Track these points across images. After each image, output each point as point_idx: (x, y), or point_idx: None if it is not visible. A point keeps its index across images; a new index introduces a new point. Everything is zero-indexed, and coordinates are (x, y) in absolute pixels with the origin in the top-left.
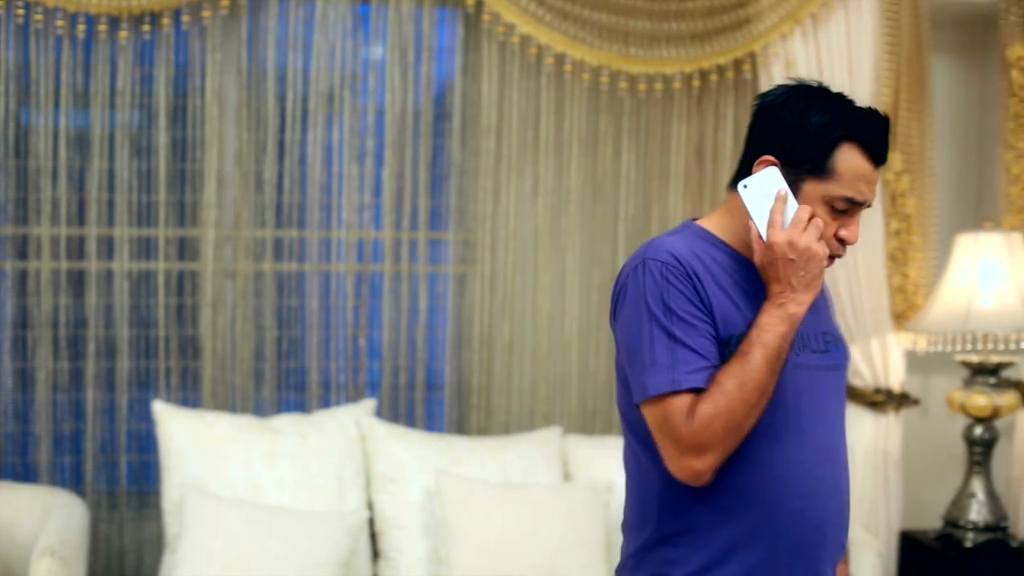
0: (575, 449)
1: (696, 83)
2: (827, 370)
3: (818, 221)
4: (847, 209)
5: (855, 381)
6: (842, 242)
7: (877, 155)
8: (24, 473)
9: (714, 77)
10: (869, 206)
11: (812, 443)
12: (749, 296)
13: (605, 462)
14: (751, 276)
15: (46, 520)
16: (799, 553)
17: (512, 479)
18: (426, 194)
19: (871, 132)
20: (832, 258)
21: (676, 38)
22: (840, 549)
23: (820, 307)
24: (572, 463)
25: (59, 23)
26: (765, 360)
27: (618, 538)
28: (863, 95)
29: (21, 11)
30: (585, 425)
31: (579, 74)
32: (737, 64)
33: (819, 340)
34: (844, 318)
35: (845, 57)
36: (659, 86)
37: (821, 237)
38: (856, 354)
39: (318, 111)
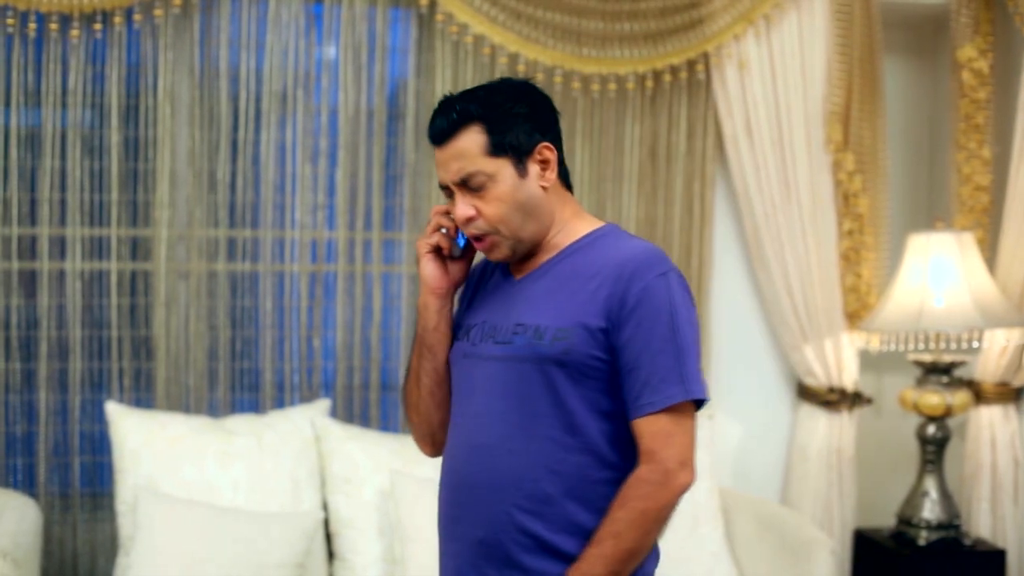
0: None
1: (650, 83)
2: (502, 361)
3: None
4: (454, 192)
5: (808, 380)
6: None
7: (432, 136)
8: None
9: (667, 77)
10: (468, 186)
11: (465, 433)
12: None
13: None
14: None
15: None
16: (442, 537)
17: None
18: (380, 194)
19: (432, 118)
20: (480, 239)
21: (629, 38)
22: (504, 541)
23: (532, 296)
24: None
25: (9, 21)
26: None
27: None
28: (815, 96)
29: None
30: None
31: (533, 74)
32: (691, 64)
33: (507, 331)
34: (797, 317)
35: (798, 58)
36: (612, 86)
37: (444, 227)
38: (809, 353)
39: (271, 111)
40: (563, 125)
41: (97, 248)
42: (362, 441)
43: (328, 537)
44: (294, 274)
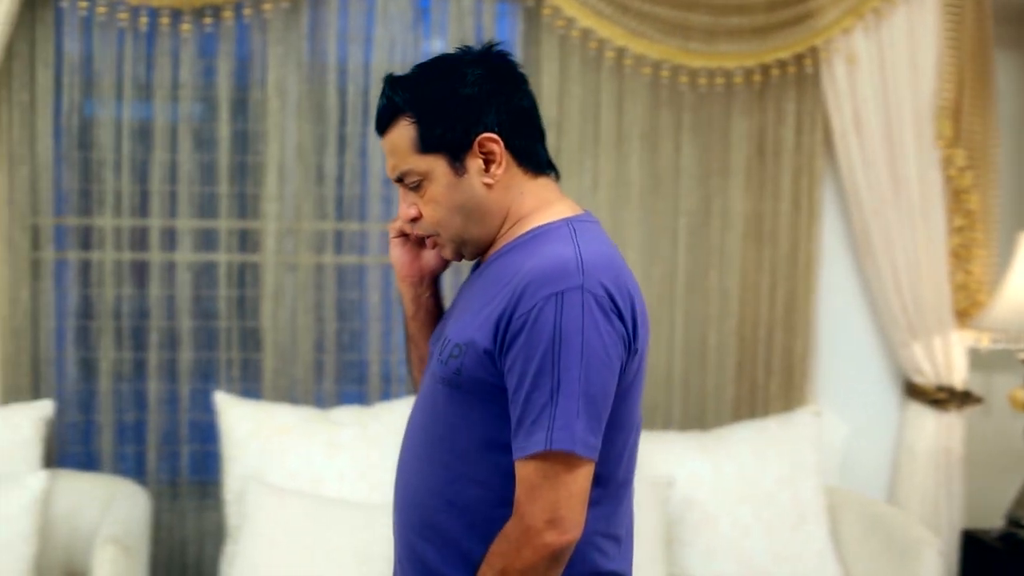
0: None
1: (757, 78)
2: (428, 375)
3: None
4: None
5: (916, 378)
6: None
7: (376, 127)
8: (87, 462)
9: (775, 72)
10: (404, 183)
11: (403, 451)
12: None
13: (665, 457)
14: None
15: (109, 509)
16: (394, 544)
17: None
18: None
19: None
20: (427, 239)
21: (737, 33)
22: (410, 560)
23: (463, 301)
24: None
25: (122, 16)
26: None
27: (678, 532)
28: (925, 91)
29: (85, 4)
30: (645, 420)
31: (640, 68)
32: (798, 59)
33: (444, 348)
34: (905, 314)
35: (907, 52)
36: (720, 81)
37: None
38: (918, 351)
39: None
40: (669, 120)
41: (206, 240)
42: None
43: None
44: None
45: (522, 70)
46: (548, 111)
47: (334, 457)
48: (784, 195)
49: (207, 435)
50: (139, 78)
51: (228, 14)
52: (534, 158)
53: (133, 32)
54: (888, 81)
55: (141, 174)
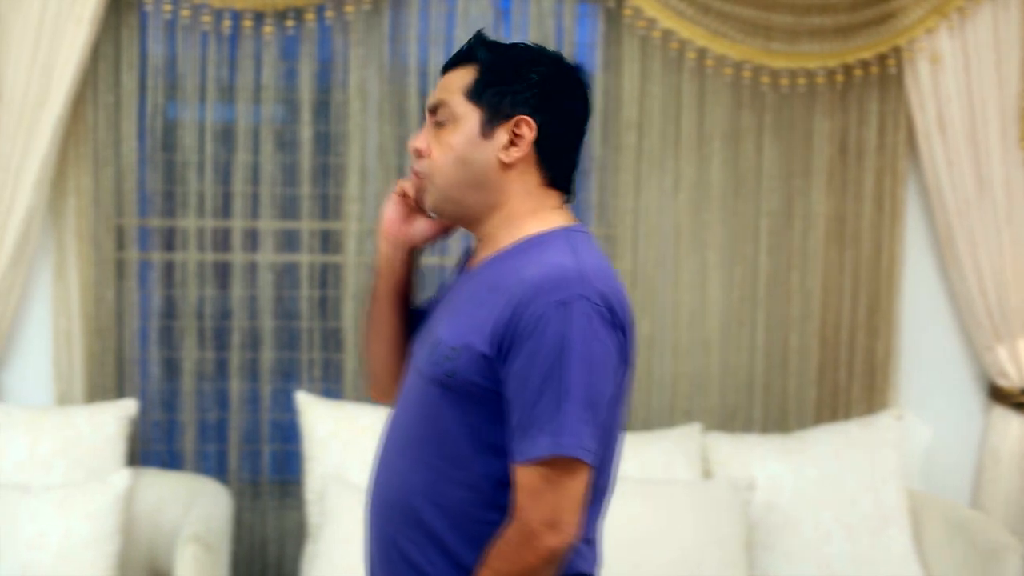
0: (715, 446)
1: (839, 78)
2: (416, 373)
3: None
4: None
5: (1000, 381)
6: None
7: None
8: (170, 461)
9: (858, 72)
10: (435, 115)
11: (383, 441)
12: None
13: (745, 459)
14: None
15: (191, 507)
16: (368, 540)
17: (651, 475)
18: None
19: None
20: (418, 176)
21: (819, 32)
22: (389, 558)
23: (456, 302)
24: (712, 460)
25: (205, 19)
26: None
27: (759, 536)
28: (1011, 91)
29: (169, 7)
30: (725, 422)
31: (721, 69)
32: (882, 59)
33: (431, 340)
34: (990, 317)
35: (992, 52)
36: (802, 81)
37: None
38: (1002, 354)
39: None
40: (751, 120)
41: (288, 241)
42: None
43: None
44: None
45: (591, 100)
46: (629, 112)
47: None
48: (867, 196)
49: (288, 435)
50: (222, 80)
51: (310, 16)
52: (556, 170)
53: (216, 35)
54: (972, 81)
55: (224, 176)
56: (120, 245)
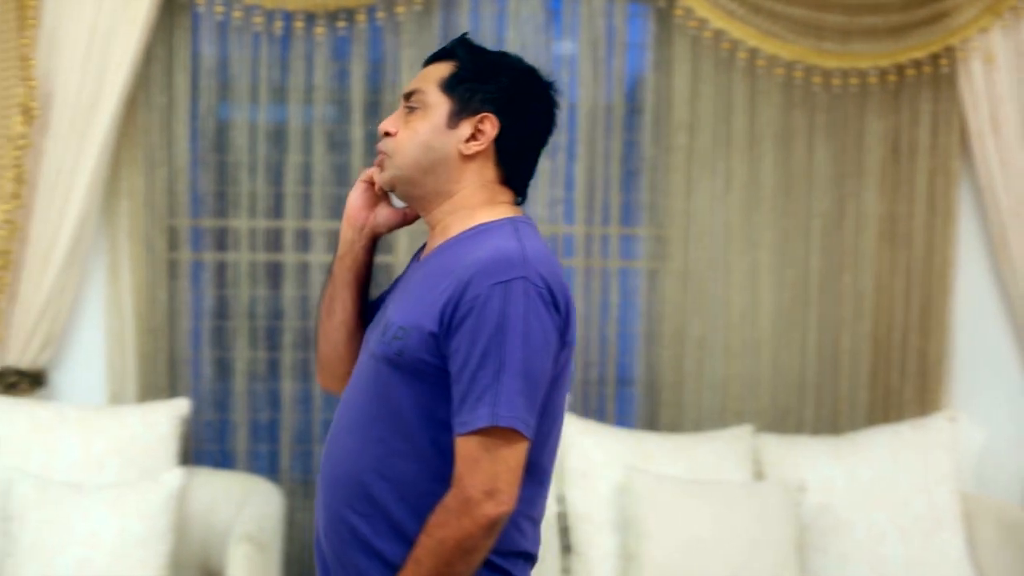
0: (766, 447)
1: (892, 78)
2: (367, 354)
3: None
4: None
5: None
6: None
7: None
8: (222, 460)
9: (910, 72)
10: (408, 101)
11: (334, 420)
12: None
13: (797, 461)
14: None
15: (243, 507)
16: (317, 517)
17: (702, 476)
18: (618, 189)
19: None
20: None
21: (871, 32)
22: (338, 532)
23: (408, 288)
24: (763, 461)
25: (257, 20)
26: None
27: (811, 538)
28: None
29: (221, 9)
30: (777, 423)
31: (772, 69)
32: (934, 58)
33: (384, 323)
34: None
35: None
36: (854, 81)
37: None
38: None
39: None
40: (802, 120)
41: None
42: (598, 436)
43: (563, 530)
44: None
45: (556, 116)
46: (680, 113)
47: None
48: (919, 197)
49: None
50: (273, 81)
51: (361, 17)
52: (512, 172)
53: (268, 36)
54: None
55: (275, 176)
56: (172, 246)
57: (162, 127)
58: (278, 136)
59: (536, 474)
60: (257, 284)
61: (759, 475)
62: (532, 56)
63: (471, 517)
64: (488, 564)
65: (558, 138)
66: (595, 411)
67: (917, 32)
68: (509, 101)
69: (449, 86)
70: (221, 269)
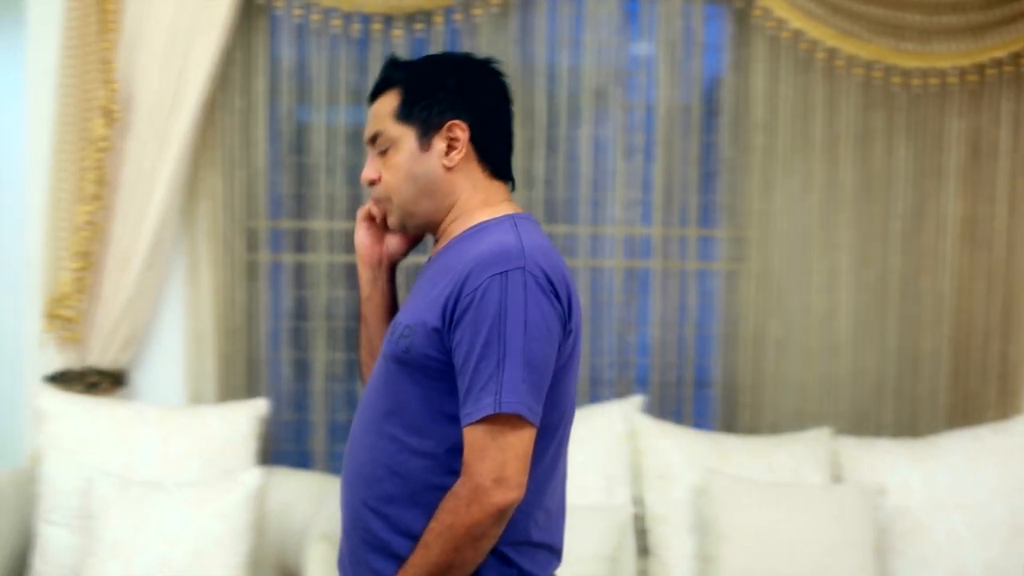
0: (845, 450)
1: (972, 77)
2: (381, 355)
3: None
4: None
5: None
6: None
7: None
8: (300, 460)
9: (991, 71)
10: (371, 143)
11: (354, 428)
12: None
13: (876, 464)
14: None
15: (321, 506)
16: (341, 512)
17: (780, 479)
18: (696, 191)
19: None
20: (379, 203)
21: (951, 31)
22: (356, 530)
23: (416, 289)
24: (842, 464)
25: (335, 23)
26: None
27: (890, 541)
28: None
29: (299, 11)
30: (856, 426)
31: (851, 69)
32: (1015, 58)
33: (395, 330)
34: None
35: None
36: (934, 81)
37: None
38: None
39: (587, 107)
40: (882, 121)
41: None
42: (676, 438)
43: (640, 532)
44: (609, 270)
45: (509, 89)
46: (758, 114)
47: None
48: (1000, 198)
49: None
50: (351, 83)
51: (439, 19)
52: (495, 161)
53: (346, 38)
54: None
55: (353, 178)
56: (251, 247)
57: (241, 129)
58: (356, 138)
59: (544, 465)
60: (335, 285)
61: (837, 478)
62: (608, 59)
63: (480, 504)
64: (497, 553)
65: (635, 139)
66: (672, 413)
67: (998, 31)
68: (465, 99)
69: (404, 114)
70: (299, 270)
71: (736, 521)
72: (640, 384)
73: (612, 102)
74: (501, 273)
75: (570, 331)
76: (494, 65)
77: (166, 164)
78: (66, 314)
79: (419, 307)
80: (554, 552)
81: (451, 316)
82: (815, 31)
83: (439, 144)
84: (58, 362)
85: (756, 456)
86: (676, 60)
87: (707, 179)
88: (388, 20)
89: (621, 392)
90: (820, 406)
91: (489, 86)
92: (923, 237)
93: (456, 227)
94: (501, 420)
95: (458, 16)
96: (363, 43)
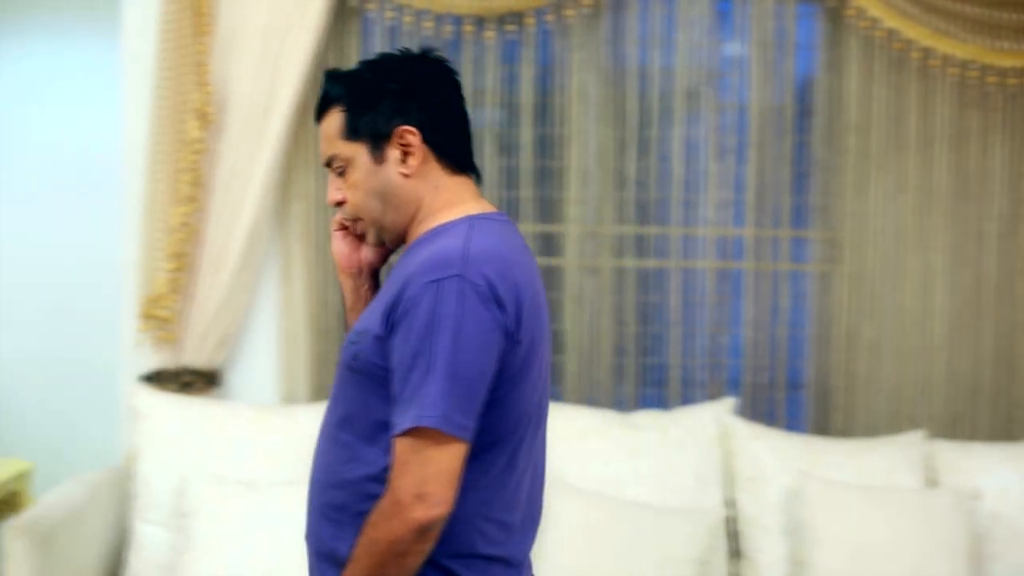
0: (939, 454)
1: None
2: (339, 364)
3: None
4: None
5: None
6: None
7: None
8: None
9: None
10: (328, 166)
11: (318, 435)
12: None
13: (971, 468)
14: None
15: None
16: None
17: (873, 482)
18: (788, 192)
19: None
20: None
21: None
22: (314, 534)
23: (377, 297)
24: (936, 468)
25: (427, 24)
26: None
27: (986, 547)
28: None
29: (391, 13)
30: (950, 429)
31: (946, 68)
32: None
33: (348, 336)
34: None
35: None
36: None
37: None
38: None
39: (679, 108)
40: (977, 121)
41: None
42: (768, 440)
43: (731, 535)
44: (701, 271)
45: (457, 76)
46: (851, 114)
47: (633, 460)
48: None
49: None
50: None
51: (530, 20)
52: (454, 156)
53: (438, 40)
54: None
55: None
56: None
57: None
58: None
59: (493, 475)
60: None
61: (932, 482)
62: (700, 59)
63: (400, 520)
64: (435, 564)
65: (728, 140)
66: (765, 415)
67: None
68: (410, 100)
69: (351, 132)
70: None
71: (829, 525)
72: (732, 386)
73: (704, 103)
74: (435, 281)
75: (519, 341)
76: (435, 55)
77: (260, 165)
78: (161, 314)
79: (369, 314)
80: (512, 565)
81: (390, 324)
82: (910, 30)
83: (393, 153)
84: (153, 362)
85: (849, 459)
86: (768, 60)
87: (800, 180)
88: (480, 22)
89: (713, 394)
90: (914, 408)
91: (435, 80)
92: (1019, 238)
93: (418, 231)
94: (423, 434)
95: (549, 17)
96: (455, 45)
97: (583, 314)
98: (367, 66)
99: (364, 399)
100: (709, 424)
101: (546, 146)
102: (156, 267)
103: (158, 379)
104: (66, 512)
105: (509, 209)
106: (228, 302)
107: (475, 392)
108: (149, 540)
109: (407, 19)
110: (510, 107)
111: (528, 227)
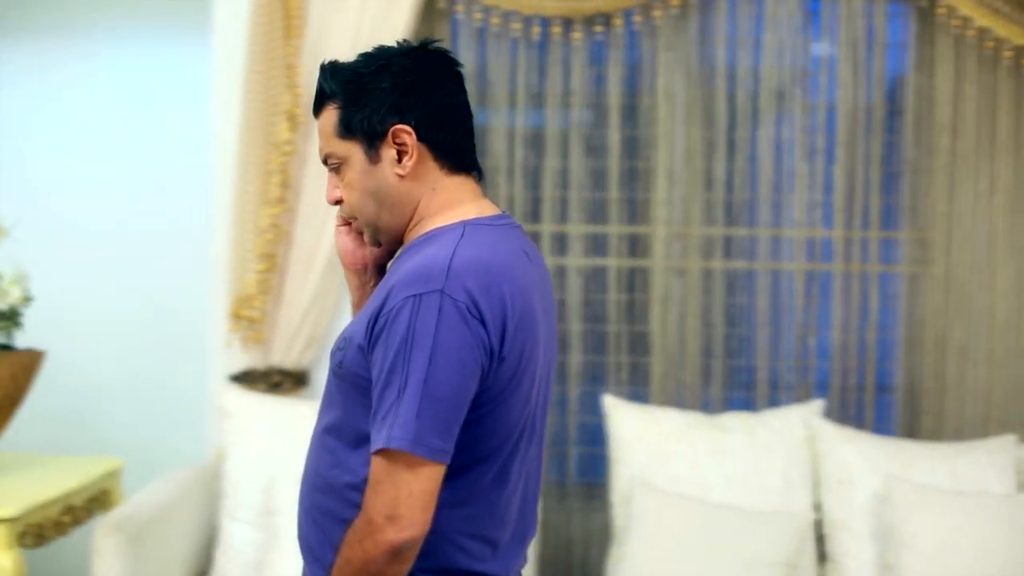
0: None
1: None
2: (329, 370)
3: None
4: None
5: None
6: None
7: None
8: None
9: None
10: (325, 163)
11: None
12: None
13: None
14: None
15: None
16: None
17: (963, 487)
18: (878, 192)
19: None
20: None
21: None
22: (303, 538)
23: (368, 303)
24: None
25: (515, 26)
26: None
27: None
28: None
29: (480, 15)
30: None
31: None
32: None
33: (337, 341)
34: None
35: None
36: None
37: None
38: None
39: (768, 108)
40: None
41: (596, 245)
42: (857, 443)
43: (819, 538)
44: (790, 272)
45: (458, 69)
46: (942, 114)
47: (720, 463)
48: None
49: (595, 437)
50: (531, 86)
51: (618, 22)
52: (453, 155)
53: (526, 41)
54: None
55: (533, 180)
56: None
57: None
58: (536, 141)
59: (479, 490)
60: None
61: (1023, 487)
62: (789, 58)
63: (373, 541)
64: None
65: (816, 140)
66: (853, 417)
67: None
68: (405, 97)
69: (345, 129)
70: None
71: (918, 529)
72: (820, 388)
73: (793, 103)
74: (415, 296)
75: (503, 357)
76: (435, 47)
77: None
78: (251, 315)
79: (357, 321)
80: None
81: (371, 335)
82: (1002, 29)
83: (388, 153)
84: (242, 362)
85: (938, 463)
86: (858, 60)
87: (889, 180)
88: (567, 23)
89: (801, 396)
90: (1005, 412)
91: (432, 75)
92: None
93: (413, 234)
94: (395, 456)
95: (637, 18)
96: (543, 46)
97: (670, 315)
98: (364, 60)
99: (349, 407)
100: (797, 426)
101: (634, 147)
102: (246, 268)
103: (247, 379)
104: (155, 510)
105: (596, 210)
106: (316, 303)
107: (451, 412)
108: (237, 538)
109: (495, 21)
110: (597, 108)
111: (615, 228)
